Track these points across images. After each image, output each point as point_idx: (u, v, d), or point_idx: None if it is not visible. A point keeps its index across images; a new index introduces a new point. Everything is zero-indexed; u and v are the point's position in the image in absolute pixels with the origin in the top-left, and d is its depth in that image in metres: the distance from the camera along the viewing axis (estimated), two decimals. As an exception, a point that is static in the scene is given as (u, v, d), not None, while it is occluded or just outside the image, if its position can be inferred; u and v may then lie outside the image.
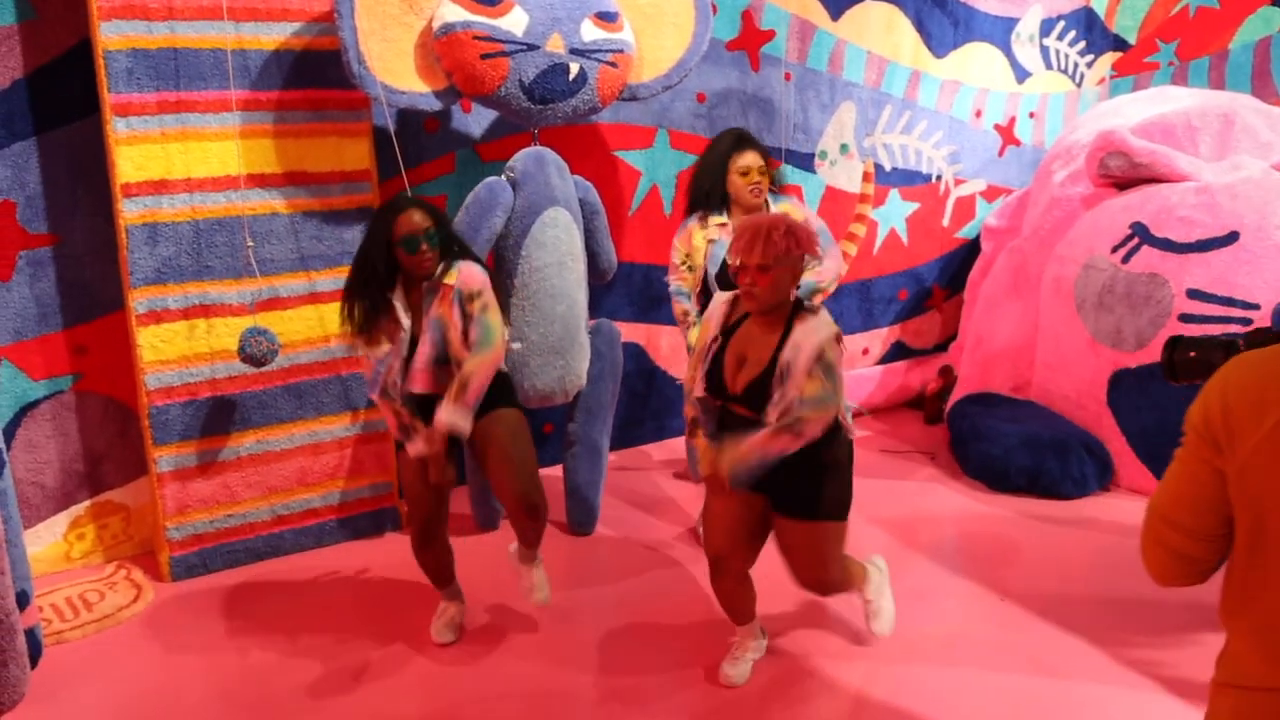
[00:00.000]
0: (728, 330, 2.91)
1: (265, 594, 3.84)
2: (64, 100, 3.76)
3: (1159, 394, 4.60)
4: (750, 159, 3.91)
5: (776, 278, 2.74)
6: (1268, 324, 4.33)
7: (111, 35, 3.55)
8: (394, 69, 3.78)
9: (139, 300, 3.73)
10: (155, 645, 3.48)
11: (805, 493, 2.92)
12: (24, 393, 3.85)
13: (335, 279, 3.93)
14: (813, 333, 2.75)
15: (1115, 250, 4.78)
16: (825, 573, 3.07)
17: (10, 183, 3.72)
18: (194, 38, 3.67)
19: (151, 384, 3.79)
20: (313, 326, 4.05)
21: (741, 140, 3.97)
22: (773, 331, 2.82)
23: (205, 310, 3.84)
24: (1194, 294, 4.48)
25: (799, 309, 2.84)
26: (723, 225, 3.93)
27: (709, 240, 3.94)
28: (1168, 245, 4.61)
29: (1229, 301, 4.42)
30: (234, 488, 3.99)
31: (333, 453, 4.17)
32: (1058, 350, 5.09)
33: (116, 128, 3.61)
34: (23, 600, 2.86)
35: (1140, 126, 5.08)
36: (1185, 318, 4.49)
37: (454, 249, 3.20)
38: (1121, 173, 4.95)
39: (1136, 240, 4.71)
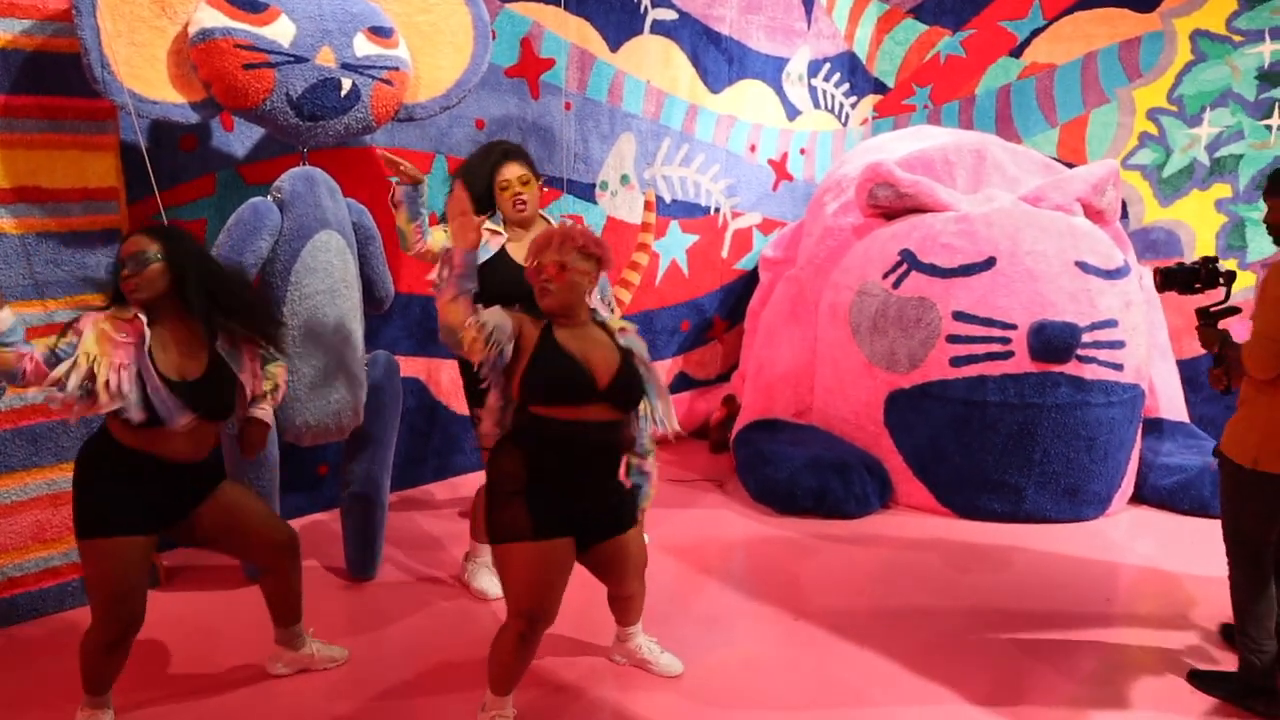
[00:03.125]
0: (543, 341, 2.78)
1: (-8, 668, 3.35)
2: None
3: (931, 413, 4.80)
4: (510, 171, 3.78)
5: (573, 277, 2.76)
6: (1024, 343, 4.60)
7: None
8: (144, 76, 3.44)
9: None
10: None
11: (624, 503, 2.98)
12: None
13: (76, 309, 3.50)
14: (635, 336, 2.93)
15: (886, 276, 4.98)
16: (645, 565, 3.17)
17: None
18: (-102, 32, 3.23)
19: None
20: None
21: (507, 154, 3.85)
22: (599, 334, 2.86)
23: (-85, 343, 3.35)
24: (959, 315, 4.72)
25: (598, 319, 2.87)
26: (495, 231, 3.81)
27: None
28: (934, 270, 4.84)
29: (989, 322, 4.67)
30: (-48, 547, 3.49)
31: (74, 502, 3.71)
32: (836, 374, 5.24)
33: None
34: None
35: (904, 160, 5.35)
36: (952, 338, 4.71)
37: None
38: (889, 203, 5.18)
39: (905, 266, 4.92)
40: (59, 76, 3.53)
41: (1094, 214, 5.18)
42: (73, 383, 2.60)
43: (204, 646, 3.47)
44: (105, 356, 2.64)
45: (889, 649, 3.52)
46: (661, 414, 2.97)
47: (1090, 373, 4.66)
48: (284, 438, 3.84)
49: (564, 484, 2.79)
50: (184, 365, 2.78)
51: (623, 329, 2.93)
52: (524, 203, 3.78)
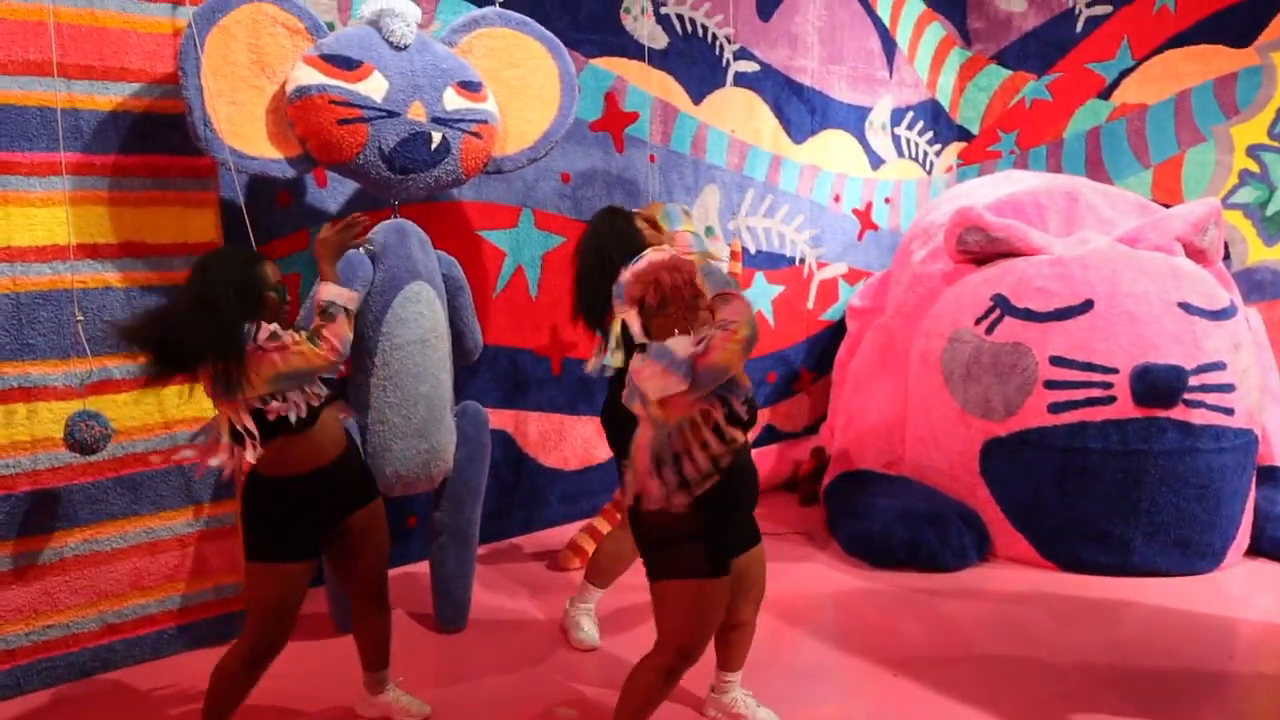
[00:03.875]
0: None
1: (89, 716, 3.38)
2: None
3: (1030, 462, 4.64)
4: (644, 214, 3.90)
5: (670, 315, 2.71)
6: (1126, 388, 4.44)
7: (-79, 88, 3.24)
8: (244, 134, 3.55)
9: (-53, 383, 3.34)
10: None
11: (752, 515, 2.95)
12: None
13: (176, 359, 3.60)
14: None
15: (979, 322, 4.86)
16: (762, 594, 3.10)
17: None
18: (18, 94, 3.37)
19: (-40, 477, 3.37)
20: (150, 412, 3.69)
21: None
22: None
23: (26, 394, 3.45)
24: (1056, 360, 4.57)
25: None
26: None
27: None
28: (1028, 315, 4.71)
29: (1089, 367, 4.51)
30: (56, 594, 3.55)
31: (173, 551, 3.77)
32: (928, 424, 5.11)
33: (-76, 190, 3.26)
34: None
35: (993, 204, 5.25)
36: (1050, 384, 4.57)
37: None
38: (979, 248, 5.08)
39: (998, 312, 4.80)
40: (164, 136, 3.66)
41: (1195, 254, 5.00)
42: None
43: (296, 691, 3.48)
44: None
45: (995, 707, 3.36)
46: None
47: (1199, 417, 4.46)
48: (375, 487, 3.86)
49: (730, 513, 2.78)
50: None
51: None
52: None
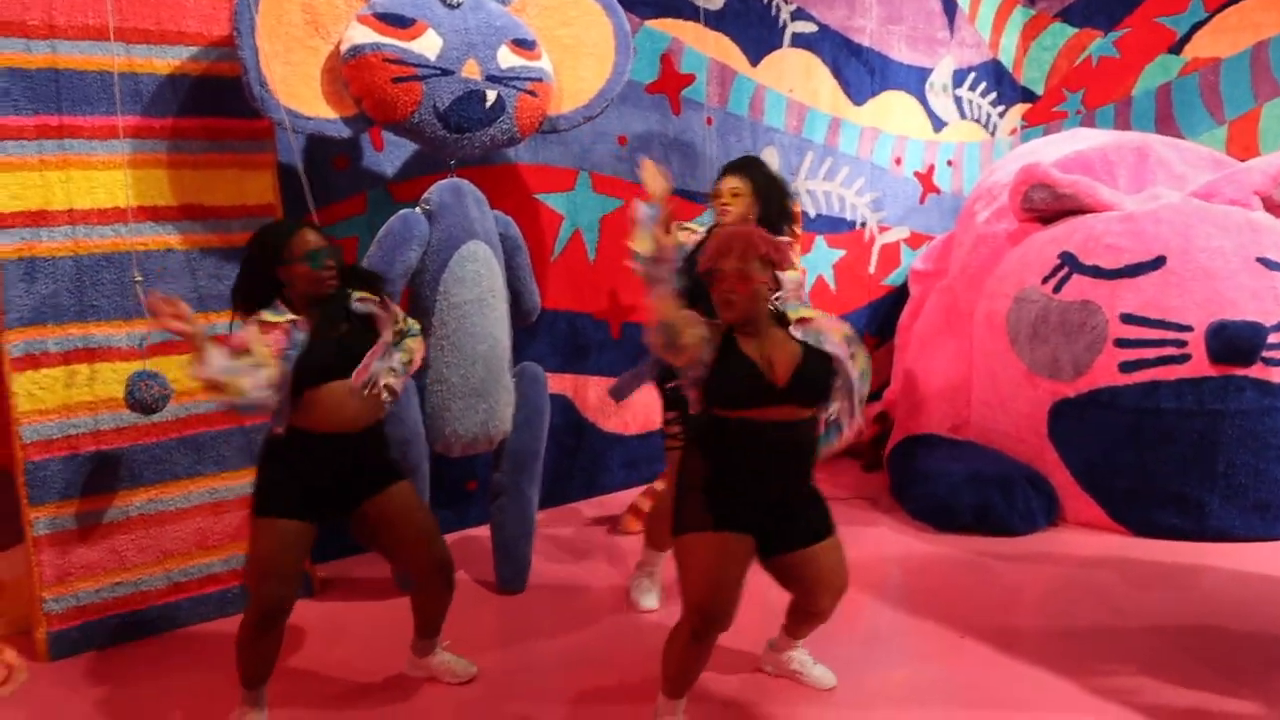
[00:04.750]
0: (723, 344, 2.68)
1: (158, 672, 3.42)
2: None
3: (1100, 423, 4.51)
4: (725, 184, 3.71)
5: (756, 288, 2.61)
6: (1201, 346, 4.29)
7: (-16, 53, 3.27)
8: (299, 94, 3.55)
9: (14, 343, 3.38)
10: (23, 733, 3.06)
11: (817, 513, 2.81)
12: (-117, 451, 3.45)
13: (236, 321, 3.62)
14: (828, 321, 2.74)
15: (1045, 281, 4.73)
16: (844, 588, 2.93)
17: None
18: (78, 58, 3.41)
19: (28, 436, 3.41)
20: (212, 373, 3.72)
21: (727, 169, 3.77)
22: (778, 331, 2.69)
23: (89, 354, 3.50)
24: (1127, 318, 4.43)
25: (783, 319, 2.72)
26: (692, 231, 3.71)
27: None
28: (1097, 272, 4.57)
29: (1162, 324, 4.37)
30: (123, 552, 3.60)
31: (236, 511, 3.79)
32: (994, 386, 4.99)
33: (-10, 153, 3.31)
34: None
35: (1060, 162, 5.10)
36: (1120, 342, 4.42)
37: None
38: (1045, 205, 4.94)
39: (1066, 269, 4.67)
40: (221, 99, 3.68)
41: (1275, 208, 4.82)
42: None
43: (352, 653, 3.50)
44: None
45: (1066, 668, 3.26)
46: (834, 412, 2.76)
47: (1278, 376, 4.29)
48: (434, 447, 3.85)
49: (746, 484, 2.68)
50: None
51: (802, 320, 2.73)
52: (727, 209, 3.67)
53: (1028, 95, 6.77)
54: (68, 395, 3.47)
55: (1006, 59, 6.68)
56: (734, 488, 2.67)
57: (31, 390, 3.41)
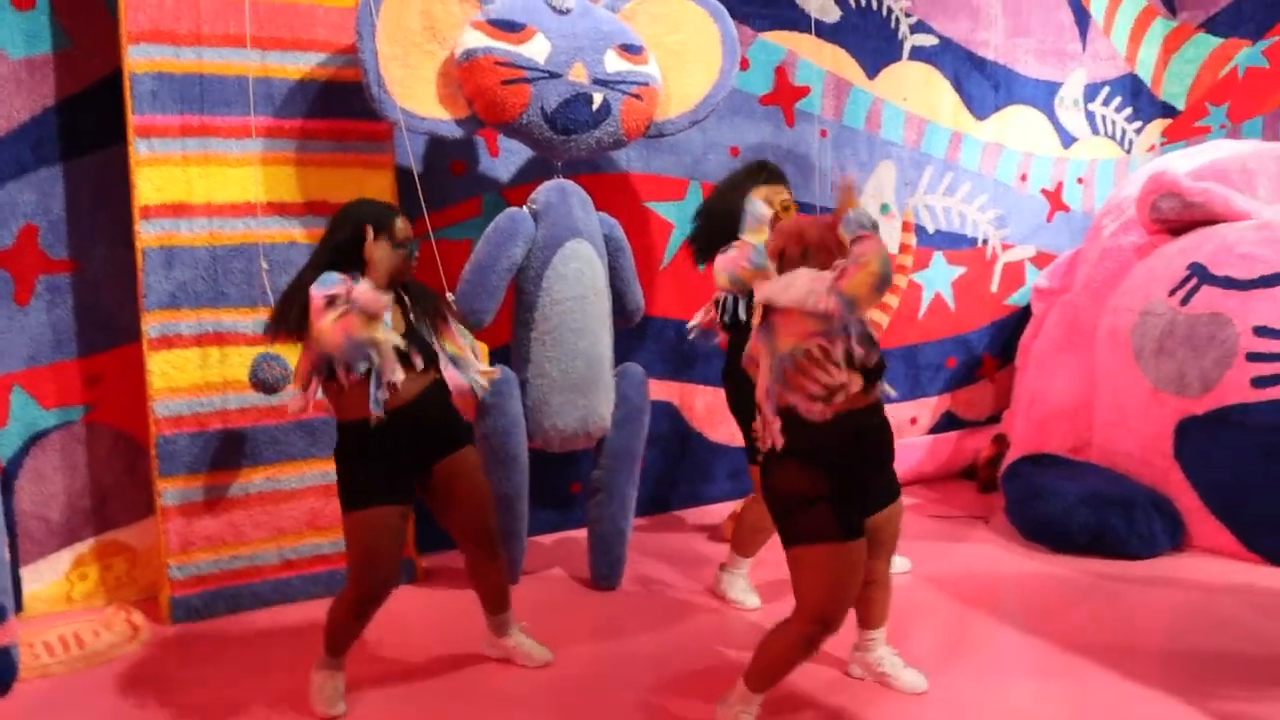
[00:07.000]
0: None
1: (269, 643, 3.60)
2: (92, 128, 3.79)
3: (1231, 442, 4.26)
4: (777, 195, 3.77)
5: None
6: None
7: (138, 58, 3.58)
8: (415, 95, 3.75)
9: (152, 324, 3.66)
10: (142, 688, 3.24)
11: (890, 473, 2.91)
12: (34, 421, 3.76)
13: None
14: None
15: (1173, 293, 4.53)
16: (894, 547, 3.06)
17: (34, 207, 3.73)
18: (219, 64, 3.70)
19: (160, 412, 3.68)
20: (330, 361, 3.93)
21: (773, 176, 3.85)
22: None
23: (219, 338, 3.76)
24: (1261, 331, 4.20)
25: None
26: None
27: None
28: (1229, 283, 4.35)
29: (1300, 337, 4.13)
30: (241, 527, 3.82)
31: (346, 495, 3.99)
32: (1117, 404, 4.78)
33: (139, 149, 3.61)
34: (-1, 614, 2.70)
35: (1193, 170, 4.89)
36: (1253, 356, 4.19)
37: None
38: (1175, 215, 4.74)
39: (1195, 281, 4.46)
40: (346, 103, 3.92)
41: None
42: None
43: (441, 638, 3.59)
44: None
45: (1185, 692, 3.06)
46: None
47: None
48: (533, 442, 3.95)
49: (859, 476, 2.70)
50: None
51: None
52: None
53: (1168, 111, 6.51)
54: (199, 375, 3.73)
55: (1145, 73, 6.44)
56: (848, 488, 2.66)
57: (165, 369, 3.68)
